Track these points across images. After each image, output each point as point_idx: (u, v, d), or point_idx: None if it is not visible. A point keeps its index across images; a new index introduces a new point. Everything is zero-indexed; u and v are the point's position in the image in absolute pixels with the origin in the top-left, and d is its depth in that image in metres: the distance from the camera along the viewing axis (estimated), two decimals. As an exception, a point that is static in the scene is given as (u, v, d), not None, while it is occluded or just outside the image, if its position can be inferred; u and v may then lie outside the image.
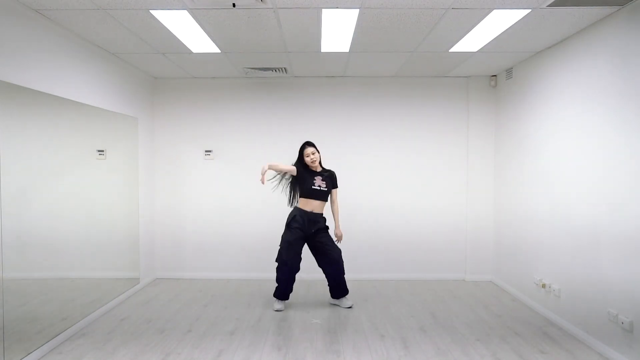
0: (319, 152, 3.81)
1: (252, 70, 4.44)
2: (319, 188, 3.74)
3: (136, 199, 4.42)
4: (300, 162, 3.81)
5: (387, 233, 4.88)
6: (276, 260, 3.80)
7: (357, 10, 2.86)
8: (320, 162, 3.85)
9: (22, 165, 2.81)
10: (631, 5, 2.71)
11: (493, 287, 4.57)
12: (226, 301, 4.09)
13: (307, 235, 3.76)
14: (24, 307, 2.79)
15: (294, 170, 3.75)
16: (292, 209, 3.87)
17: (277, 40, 3.47)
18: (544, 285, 3.66)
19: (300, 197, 3.81)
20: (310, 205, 3.75)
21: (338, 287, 3.90)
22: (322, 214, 3.82)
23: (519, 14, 2.90)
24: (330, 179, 3.84)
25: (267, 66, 4.31)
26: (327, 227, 3.86)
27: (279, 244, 3.82)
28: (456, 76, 4.78)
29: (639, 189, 2.64)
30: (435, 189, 4.86)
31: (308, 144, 3.80)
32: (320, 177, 3.77)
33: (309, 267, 4.59)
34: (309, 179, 3.74)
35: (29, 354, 2.77)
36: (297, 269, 3.80)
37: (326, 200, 3.83)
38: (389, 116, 4.86)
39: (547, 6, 2.75)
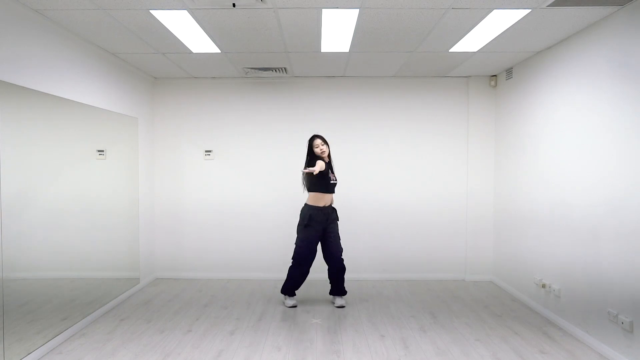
0: (328, 146, 3.84)
1: (252, 70, 4.44)
2: (335, 182, 3.85)
3: (136, 199, 4.42)
4: (311, 155, 3.82)
5: (387, 233, 4.88)
6: (293, 258, 3.85)
7: (357, 10, 2.86)
8: (329, 155, 3.90)
9: (22, 166, 2.81)
10: (631, 5, 2.71)
11: (493, 287, 4.57)
12: (226, 301, 4.09)
13: (323, 228, 3.83)
14: (24, 307, 2.79)
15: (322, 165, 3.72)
16: (304, 206, 3.84)
17: (277, 40, 3.47)
18: (544, 285, 3.66)
19: (315, 192, 3.77)
20: (324, 200, 3.80)
21: (335, 285, 3.96)
22: (332, 205, 3.92)
23: (519, 14, 2.90)
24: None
25: (267, 66, 4.31)
26: (338, 218, 3.96)
27: (295, 241, 3.86)
28: (456, 76, 4.78)
29: (638, 189, 2.64)
30: (435, 189, 4.86)
31: (317, 136, 3.84)
32: (330, 170, 3.87)
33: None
34: (327, 175, 3.76)
35: (29, 354, 2.77)
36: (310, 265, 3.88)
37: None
38: (389, 116, 4.86)
39: (547, 6, 2.75)
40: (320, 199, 3.78)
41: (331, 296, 4.06)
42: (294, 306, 3.90)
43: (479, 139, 4.80)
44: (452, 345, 3.09)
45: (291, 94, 4.87)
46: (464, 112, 4.84)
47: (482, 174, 4.81)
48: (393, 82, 4.85)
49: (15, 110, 2.73)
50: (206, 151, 4.89)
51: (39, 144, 2.99)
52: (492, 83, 4.74)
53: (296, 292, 4.05)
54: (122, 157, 4.14)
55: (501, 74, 4.61)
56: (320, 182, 3.75)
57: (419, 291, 4.42)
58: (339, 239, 3.92)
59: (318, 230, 3.78)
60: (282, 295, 4.08)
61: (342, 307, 3.90)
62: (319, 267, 4.21)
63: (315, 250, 3.84)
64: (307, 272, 3.88)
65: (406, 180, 4.87)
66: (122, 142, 4.15)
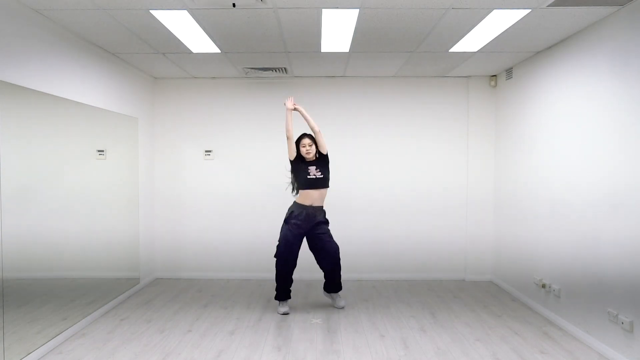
0: (315, 145, 3.72)
1: (252, 70, 4.44)
2: (314, 177, 3.69)
3: (136, 199, 4.42)
4: (297, 152, 3.75)
5: (387, 233, 4.87)
6: (275, 256, 3.80)
7: (357, 10, 2.86)
8: (317, 153, 3.77)
9: (22, 166, 2.81)
10: (631, 5, 2.71)
11: (493, 287, 4.57)
12: (226, 301, 4.09)
13: (306, 231, 3.73)
14: (24, 307, 2.79)
15: (292, 151, 3.69)
16: (292, 203, 3.81)
17: (277, 40, 3.47)
18: (544, 285, 3.66)
19: (299, 189, 3.76)
20: (309, 198, 3.69)
21: (332, 282, 3.88)
22: (321, 206, 3.79)
23: (519, 14, 2.90)
24: (323, 161, 3.76)
25: (267, 66, 4.31)
26: (327, 221, 3.83)
27: (278, 239, 3.80)
28: (456, 76, 4.78)
29: (639, 188, 2.64)
30: (435, 190, 4.86)
31: (305, 135, 3.75)
32: (314, 167, 3.71)
33: (310, 267, 4.59)
34: (304, 170, 3.70)
35: (29, 354, 2.77)
36: (294, 266, 3.80)
37: (326, 187, 3.76)
38: (389, 117, 4.86)
39: (547, 6, 2.75)
40: (305, 197, 3.70)
41: (327, 293, 3.95)
42: (286, 314, 3.72)
43: (479, 139, 4.80)
44: (452, 345, 3.09)
45: (291, 94, 4.85)
46: (464, 112, 4.84)
47: (482, 175, 4.81)
48: (393, 82, 4.85)
49: (15, 110, 2.73)
50: (206, 151, 4.89)
51: (39, 144, 2.99)
52: (492, 83, 4.74)
53: (290, 298, 3.93)
54: (122, 157, 4.14)
55: (501, 74, 4.61)
56: (297, 178, 3.72)
57: (419, 291, 4.42)
58: (331, 237, 3.80)
59: (297, 232, 3.68)
60: (276, 301, 3.94)
61: (343, 307, 3.87)
62: (318, 267, 4.20)
63: (294, 253, 3.73)
64: (289, 274, 3.78)
65: (406, 181, 4.87)
66: (122, 142, 4.15)
